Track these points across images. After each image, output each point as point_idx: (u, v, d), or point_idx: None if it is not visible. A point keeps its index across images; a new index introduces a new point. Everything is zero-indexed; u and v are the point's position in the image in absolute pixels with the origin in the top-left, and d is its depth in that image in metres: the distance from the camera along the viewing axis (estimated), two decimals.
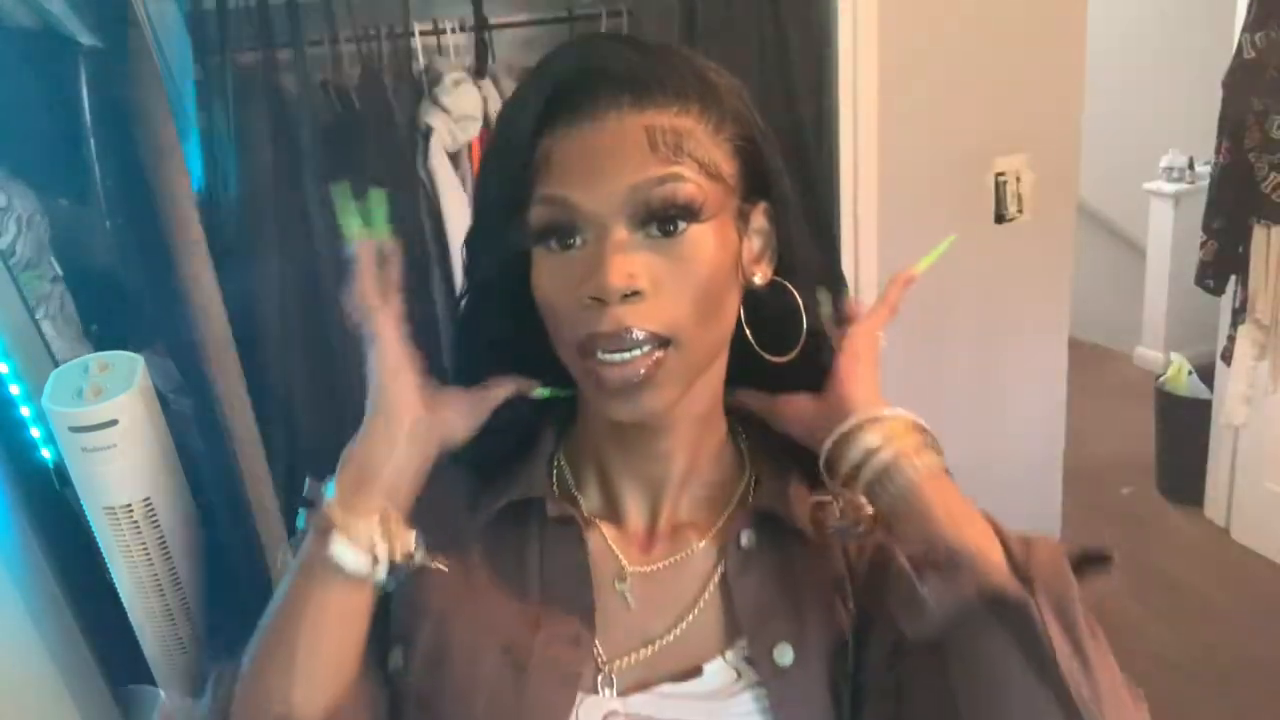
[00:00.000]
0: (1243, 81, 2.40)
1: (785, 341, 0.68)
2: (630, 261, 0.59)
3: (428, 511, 0.67)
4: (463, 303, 0.73)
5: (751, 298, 0.68)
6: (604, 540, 0.71)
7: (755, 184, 0.66)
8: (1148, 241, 4.04)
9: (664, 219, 0.60)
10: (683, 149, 0.60)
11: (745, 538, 0.69)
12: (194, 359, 1.34)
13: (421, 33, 1.72)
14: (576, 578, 0.69)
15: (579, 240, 0.61)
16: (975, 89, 2.08)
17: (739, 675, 0.66)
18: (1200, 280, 2.63)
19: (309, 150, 1.61)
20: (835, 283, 0.73)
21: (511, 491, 0.71)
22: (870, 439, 0.63)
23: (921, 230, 2.11)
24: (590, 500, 0.73)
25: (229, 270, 1.42)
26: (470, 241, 0.71)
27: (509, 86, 1.79)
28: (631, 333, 0.59)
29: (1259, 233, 2.46)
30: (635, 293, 0.60)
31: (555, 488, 0.73)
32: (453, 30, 1.74)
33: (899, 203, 2.05)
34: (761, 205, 0.67)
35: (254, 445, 1.40)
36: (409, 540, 0.64)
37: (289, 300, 1.65)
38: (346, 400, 1.70)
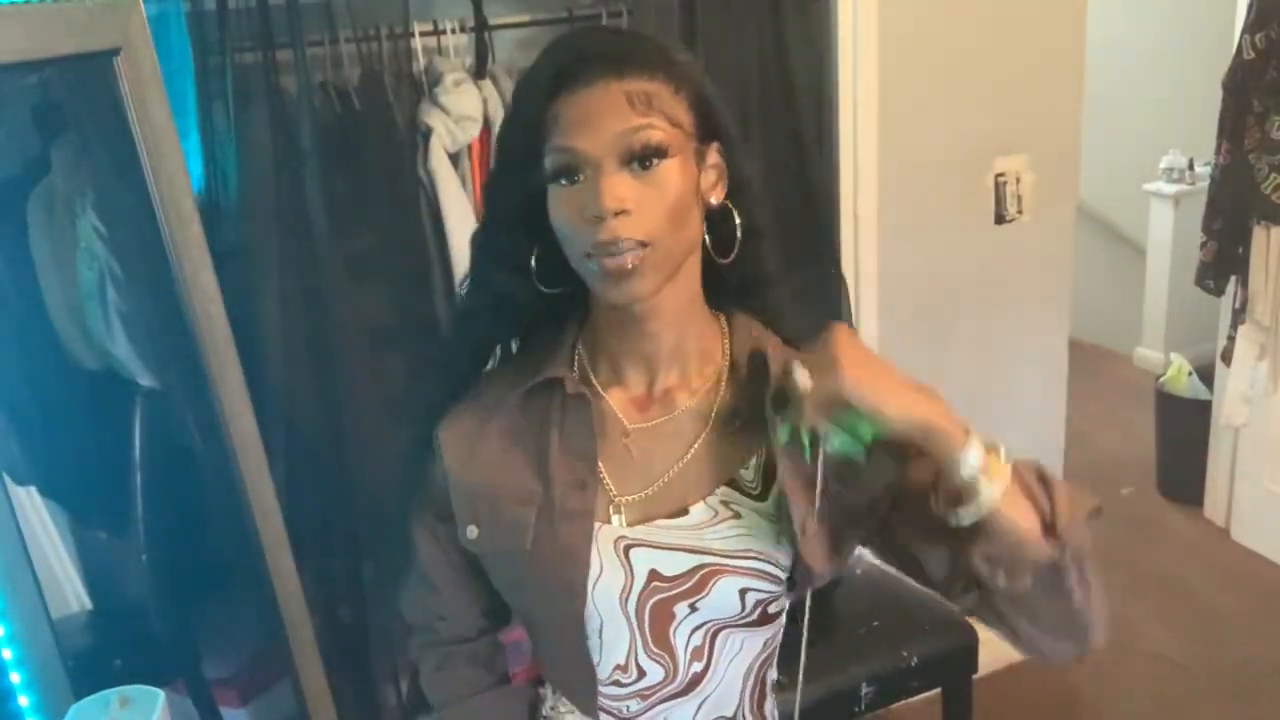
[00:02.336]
0: (1243, 81, 2.40)
1: (731, 248, 0.91)
2: (618, 186, 0.81)
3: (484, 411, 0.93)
4: (481, 232, 0.94)
5: (713, 218, 0.90)
6: (611, 407, 0.93)
7: (707, 130, 0.88)
8: (1148, 241, 4.05)
9: (642, 157, 0.82)
10: (653, 106, 0.82)
11: (737, 421, 0.91)
12: (194, 359, 1.34)
13: (421, 33, 1.72)
14: (585, 437, 0.91)
15: (581, 177, 0.82)
16: (975, 89, 2.08)
17: (716, 514, 0.90)
18: (1200, 281, 2.64)
19: (309, 150, 1.61)
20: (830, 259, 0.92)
21: (543, 372, 0.93)
22: (969, 477, 0.78)
23: (921, 230, 2.11)
24: (601, 374, 0.94)
25: (229, 270, 1.42)
26: (493, 184, 0.93)
27: (509, 87, 1.79)
28: (620, 240, 0.81)
29: (1259, 233, 2.46)
30: (623, 211, 0.81)
31: (575, 370, 0.94)
32: (453, 30, 1.74)
33: (899, 203, 2.05)
34: (714, 145, 0.89)
35: (254, 445, 1.40)
36: None
37: (289, 300, 1.65)
38: (346, 401, 1.71)
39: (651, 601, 0.89)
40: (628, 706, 0.94)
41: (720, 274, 0.94)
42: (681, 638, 0.91)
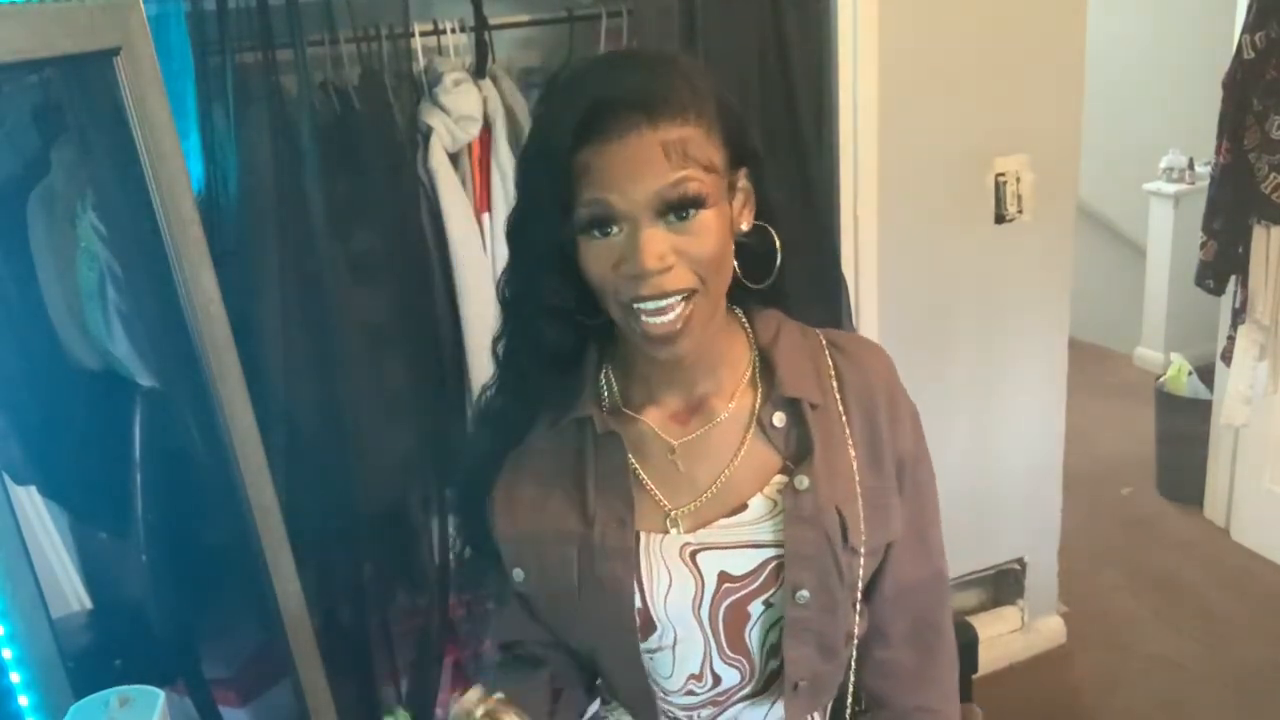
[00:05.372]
0: (1243, 81, 2.40)
1: (767, 270, 0.91)
2: (657, 243, 0.80)
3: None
4: (514, 277, 0.91)
5: (740, 240, 0.89)
6: (650, 425, 0.93)
7: (738, 157, 0.86)
8: (1148, 241, 4.05)
9: (679, 210, 0.80)
10: (688, 155, 0.80)
11: (777, 420, 0.92)
12: (194, 359, 1.34)
13: (421, 33, 1.72)
14: (619, 473, 0.91)
15: (616, 229, 0.81)
16: (975, 89, 2.08)
17: (775, 504, 0.90)
18: (1200, 280, 2.63)
19: (309, 150, 1.61)
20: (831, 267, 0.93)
21: (572, 410, 0.92)
22: None
23: (921, 230, 2.11)
24: (635, 398, 0.94)
25: (229, 270, 1.42)
26: (517, 230, 0.89)
27: (509, 87, 1.79)
28: (667, 294, 0.80)
29: (1259, 233, 2.46)
30: (668, 268, 0.80)
31: (604, 400, 0.94)
32: (453, 30, 1.74)
33: (899, 203, 2.05)
34: (742, 170, 0.87)
35: (254, 445, 1.40)
36: None
37: (289, 300, 1.65)
38: (346, 400, 1.71)
39: (725, 604, 0.90)
40: (699, 715, 0.95)
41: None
42: (756, 637, 0.92)
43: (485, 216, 1.76)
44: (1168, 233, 3.91)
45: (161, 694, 1.02)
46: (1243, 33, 2.39)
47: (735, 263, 0.88)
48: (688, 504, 0.91)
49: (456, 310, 1.76)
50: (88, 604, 1.76)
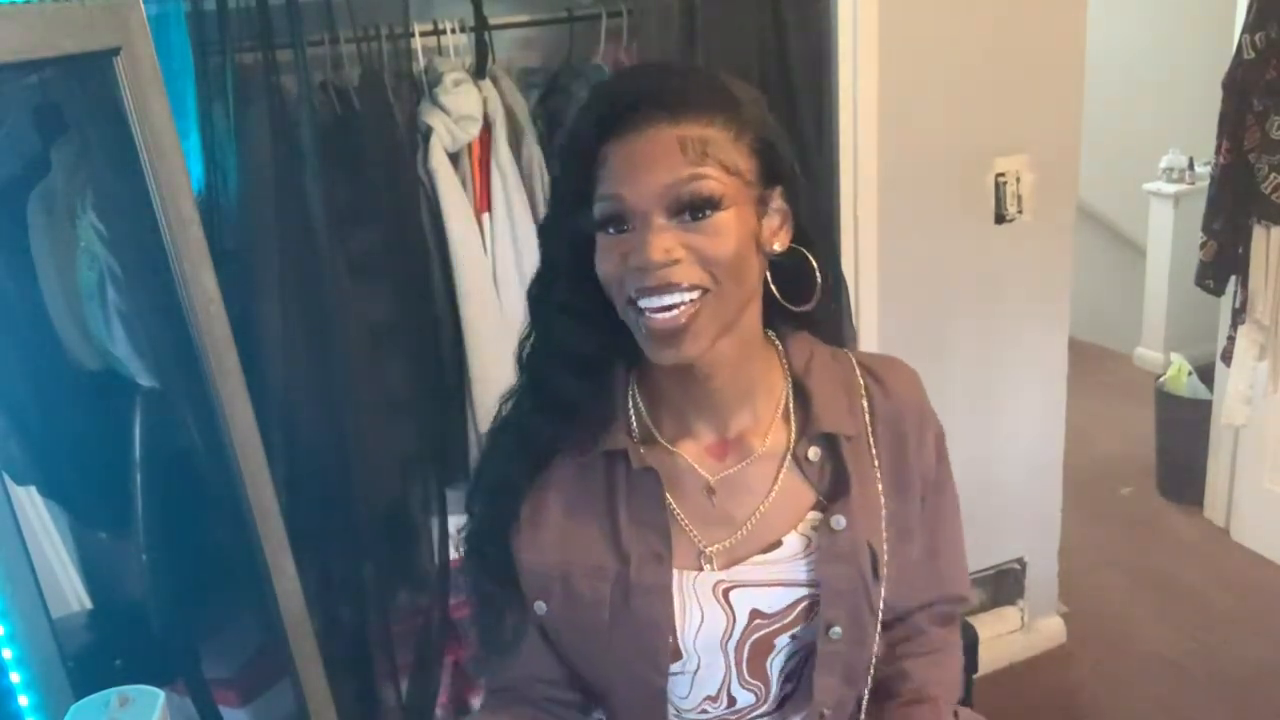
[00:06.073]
0: (1243, 81, 2.40)
1: (805, 293, 0.88)
2: (665, 240, 0.77)
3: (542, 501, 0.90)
4: (538, 282, 0.90)
5: (776, 261, 0.86)
6: (686, 459, 0.90)
7: (771, 174, 0.83)
8: (1148, 241, 4.05)
9: (693, 208, 0.77)
10: (707, 154, 0.77)
11: (813, 454, 0.90)
12: (194, 359, 1.34)
13: (421, 33, 1.72)
14: (656, 508, 0.88)
15: (629, 226, 0.79)
16: (975, 89, 2.08)
17: (809, 540, 0.89)
18: (1200, 280, 2.63)
19: (309, 150, 1.61)
20: (835, 281, 0.95)
21: (602, 442, 0.89)
22: None
23: (921, 230, 2.11)
24: (667, 428, 0.91)
25: (229, 270, 1.42)
26: (547, 228, 0.89)
27: (509, 87, 1.79)
28: (672, 285, 0.77)
29: (1259, 233, 2.46)
30: (673, 261, 0.77)
31: (635, 429, 0.91)
32: (453, 30, 1.74)
33: (899, 203, 2.05)
34: (777, 189, 0.84)
35: (254, 445, 1.40)
36: None
37: (289, 300, 1.65)
38: (346, 400, 1.71)
39: (753, 638, 0.89)
40: None
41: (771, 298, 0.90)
42: (777, 665, 0.92)
43: (485, 216, 1.76)
44: (1168, 233, 3.91)
45: (161, 694, 1.02)
46: (1243, 33, 2.39)
47: (772, 285, 0.87)
48: (722, 540, 0.89)
49: (456, 311, 1.75)
50: (88, 604, 1.76)
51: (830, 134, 1.97)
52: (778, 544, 0.89)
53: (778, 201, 0.85)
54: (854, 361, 0.95)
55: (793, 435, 0.91)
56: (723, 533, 0.89)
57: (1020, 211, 2.17)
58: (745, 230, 0.80)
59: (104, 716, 0.99)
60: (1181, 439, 3.12)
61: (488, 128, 1.73)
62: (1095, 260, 3.91)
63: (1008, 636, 2.53)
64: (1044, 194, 2.18)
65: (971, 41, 2.05)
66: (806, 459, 0.90)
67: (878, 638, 0.93)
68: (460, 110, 1.69)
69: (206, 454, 1.47)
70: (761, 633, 0.89)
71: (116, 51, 1.20)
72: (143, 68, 1.23)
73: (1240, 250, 2.52)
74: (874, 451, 0.91)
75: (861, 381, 0.93)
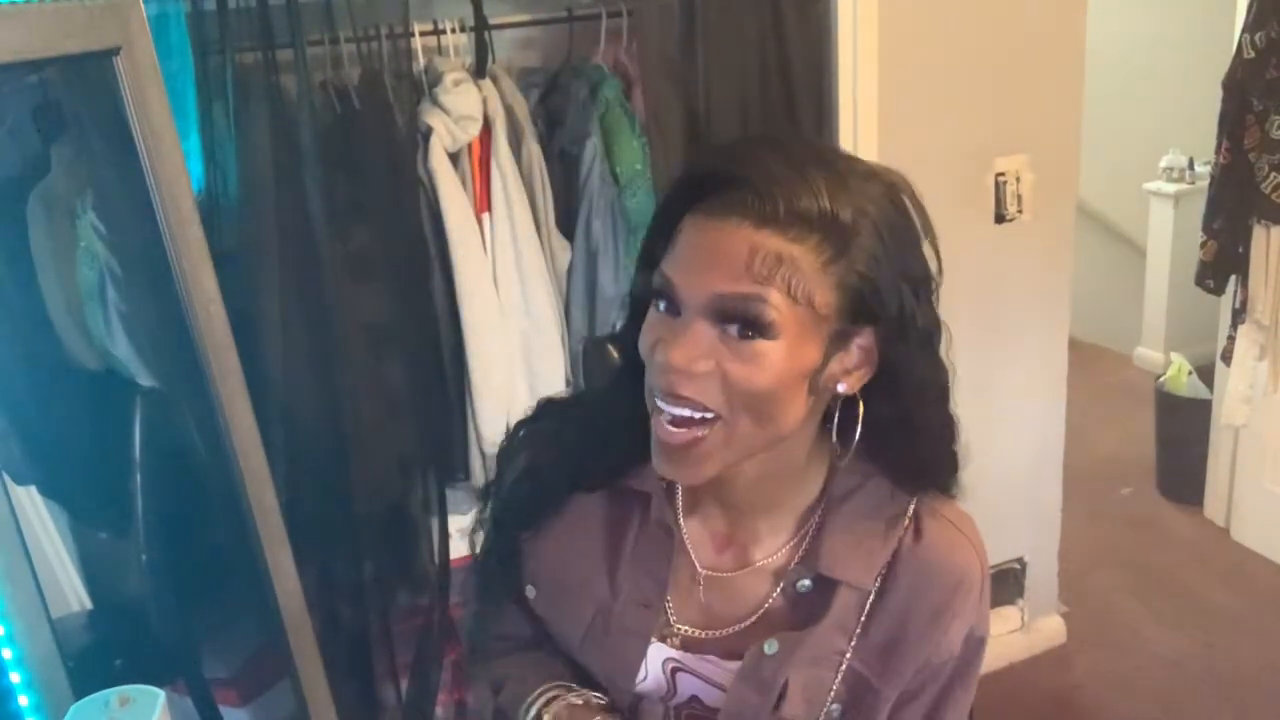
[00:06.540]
0: (1243, 81, 2.40)
1: (893, 433, 0.79)
2: (697, 347, 0.70)
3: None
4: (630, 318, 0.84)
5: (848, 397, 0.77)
6: (685, 542, 0.87)
7: (865, 312, 0.72)
8: (1148, 241, 4.05)
9: (738, 325, 0.69)
10: (775, 275, 0.68)
11: (802, 586, 0.84)
12: (194, 359, 1.34)
13: (421, 33, 1.72)
14: (661, 560, 0.86)
15: (679, 311, 0.72)
16: (975, 89, 2.08)
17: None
18: (1200, 280, 2.63)
19: (309, 150, 1.61)
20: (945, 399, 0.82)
21: (633, 479, 0.86)
22: None
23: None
24: (683, 498, 0.88)
25: (229, 270, 1.42)
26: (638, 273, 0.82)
27: (509, 86, 1.79)
28: (679, 398, 0.71)
29: (1259, 233, 2.46)
30: (695, 374, 0.70)
31: (664, 486, 0.86)
32: (453, 30, 1.74)
33: None
34: (869, 328, 0.74)
35: (254, 445, 1.40)
36: None
37: (289, 300, 1.65)
38: (346, 400, 1.71)
39: (688, 713, 0.88)
40: None
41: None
42: None
43: (485, 217, 1.76)
44: (1168, 233, 3.91)
45: (161, 694, 1.02)
46: (1243, 33, 2.39)
47: (829, 425, 0.79)
48: (692, 629, 0.87)
49: (456, 311, 1.76)
50: (88, 604, 1.76)
51: (830, 134, 1.97)
52: (739, 656, 0.84)
53: (864, 338, 0.74)
54: (909, 511, 0.83)
55: (795, 559, 0.84)
56: (697, 622, 0.87)
57: (1020, 211, 2.17)
58: (794, 366, 0.71)
59: (104, 716, 0.99)
60: (1181, 439, 3.12)
61: (488, 128, 1.73)
62: (1095, 260, 3.91)
63: (1008, 636, 2.53)
64: (1044, 194, 2.18)
65: (971, 41, 2.05)
66: (795, 587, 0.84)
67: None
68: (460, 110, 1.69)
69: (206, 454, 1.47)
70: (700, 715, 0.88)
71: (116, 51, 1.20)
72: (143, 68, 1.22)
73: (1240, 250, 2.52)
74: (871, 600, 0.82)
75: (903, 532, 0.83)
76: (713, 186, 0.71)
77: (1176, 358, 3.19)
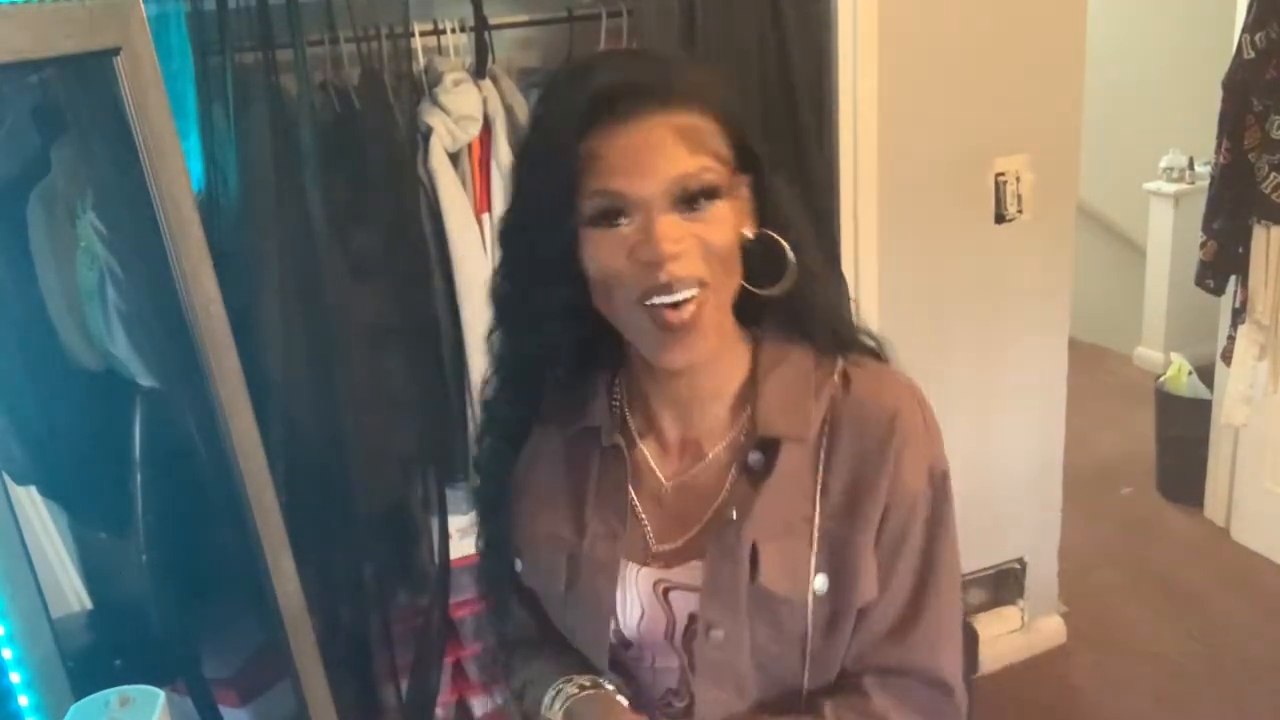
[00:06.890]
0: (1243, 81, 2.40)
1: (773, 279, 0.85)
2: (675, 228, 0.76)
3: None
4: (502, 279, 0.89)
5: (747, 248, 0.84)
6: (646, 458, 0.92)
7: (745, 163, 0.82)
8: (1148, 241, 4.05)
9: (695, 199, 0.77)
10: (704, 145, 0.77)
11: (753, 459, 0.87)
12: (194, 359, 1.34)
13: (421, 33, 1.72)
14: (619, 489, 0.90)
15: (625, 220, 0.77)
16: (975, 89, 2.08)
17: None
18: (1200, 280, 2.63)
19: (309, 150, 1.61)
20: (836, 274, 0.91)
21: (582, 420, 0.92)
22: None
23: (921, 230, 2.11)
24: (637, 421, 0.93)
25: (229, 270, 1.42)
26: (515, 230, 0.86)
27: (509, 86, 1.79)
28: (676, 280, 0.76)
29: (1259, 233, 2.46)
30: (682, 253, 0.76)
31: (615, 414, 0.92)
32: (453, 30, 1.74)
33: (899, 203, 2.05)
34: (746, 178, 0.83)
35: (254, 445, 1.40)
36: None
37: (289, 300, 1.65)
38: (346, 400, 1.71)
39: (696, 639, 0.87)
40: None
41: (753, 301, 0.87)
42: None
43: (485, 217, 1.76)
44: (1168, 233, 3.91)
45: (161, 694, 1.02)
46: (1243, 33, 2.39)
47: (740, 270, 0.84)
48: (672, 541, 0.89)
49: (456, 310, 1.76)
50: (88, 604, 1.76)
51: (830, 134, 1.97)
52: None
53: (743, 189, 0.84)
54: (838, 368, 0.88)
55: (743, 439, 0.89)
56: (674, 533, 0.90)
57: (1020, 211, 2.18)
58: (736, 219, 0.81)
59: (104, 716, 0.99)
60: (1181, 439, 3.12)
61: (488, 128, 1.73)
62: (1095, 260, 3.91)
63: (1008, 636, 2.53)
64: (1044, 194, 2.18)
65: (971, 41, 2.05)
66: (748, 465, 0.87)
67: (806, 670, 0.86)
68: (460, 110, 1.69)
69: (206, 454, 1.47)
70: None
71: (116, 51, 1.20)
72: (143, 68, 1.22)
73: (1240, 250, 2.52)
74: (822, 454, 0.86)
75: (835, 386, 0.87)
76: (601, 106, 0.76)
77: (1176, 358, 3.19)
